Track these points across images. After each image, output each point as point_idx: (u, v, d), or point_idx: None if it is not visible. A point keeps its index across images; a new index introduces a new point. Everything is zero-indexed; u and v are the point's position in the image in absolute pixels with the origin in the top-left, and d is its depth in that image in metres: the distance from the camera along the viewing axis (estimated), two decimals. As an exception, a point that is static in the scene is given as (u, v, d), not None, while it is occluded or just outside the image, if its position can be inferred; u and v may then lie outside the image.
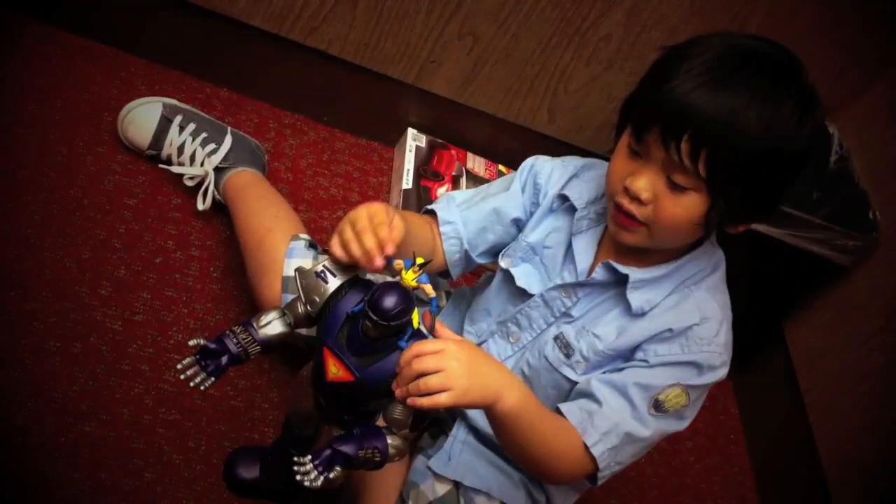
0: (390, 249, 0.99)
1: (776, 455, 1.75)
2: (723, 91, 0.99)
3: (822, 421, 1.63)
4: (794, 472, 1.69)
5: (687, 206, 1.04)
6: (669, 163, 1.02)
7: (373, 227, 1.00)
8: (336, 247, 1.02)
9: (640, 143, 1.04)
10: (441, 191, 1.75)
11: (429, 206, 1.26)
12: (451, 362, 0.97)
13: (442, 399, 0.96)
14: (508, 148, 1.86)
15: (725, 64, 1.01)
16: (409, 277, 0.97)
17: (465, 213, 1.25)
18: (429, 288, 0.98)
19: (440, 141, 1.84)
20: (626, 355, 1.15)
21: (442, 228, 1.24)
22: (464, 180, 1.80)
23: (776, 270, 1.68)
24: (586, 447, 1.10)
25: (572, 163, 1.25)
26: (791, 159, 1.04)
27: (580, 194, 1.20)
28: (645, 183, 1.04)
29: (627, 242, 1.11)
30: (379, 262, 0.99)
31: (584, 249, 1.18)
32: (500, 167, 1.86)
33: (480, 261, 1.27)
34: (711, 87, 0.99)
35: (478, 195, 1.27)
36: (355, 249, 1.00)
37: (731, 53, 1.02)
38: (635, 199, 1.05)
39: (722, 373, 1.15)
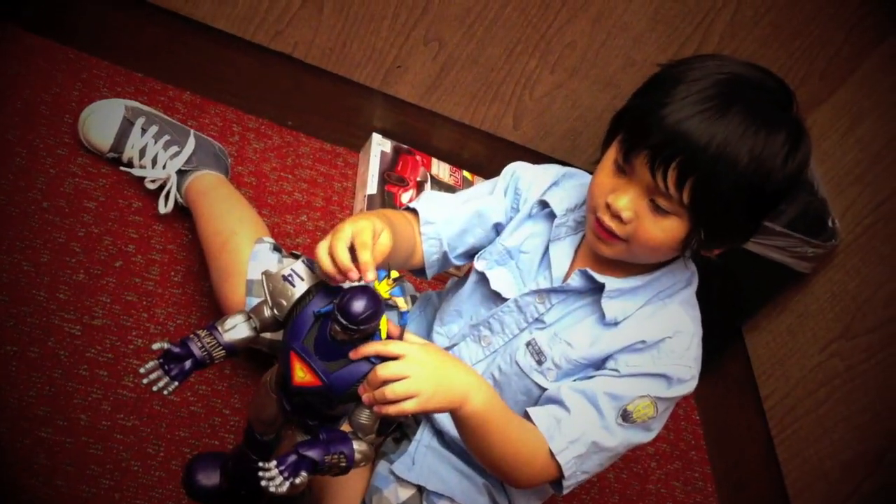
0: (370, 276, 0.96)
1: (736, 460, 1.76)
2: (717, 122, 0.99)
3: (782, 426, 1.65)
4: (754, 477, 1.71)
5: (667, 230, 1.05)
6: (654, 187, 1.02)
7: (356, 245, 0.97)
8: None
9: (627, 162, 1.04)
10: (405, 196, 1.75)
11: (411, 204, 1.25)
12: (414, 368, 0.97)
13: (408, 406, 0.96)
14: (473, 154, 1.87)
15: (721, 93, 1.00)
16: (383, 289, 0.97)
17: (447, 214, 1.24)
18: (401, 301, 0.98)
19: (405, 146, 1.83)
20: (598, 364, 1.16)
21: (423, 228, 1.23)
22: (428, 186, 1.80)
23: (737, 277, 1.70)
24: (552, 453, 1.10)
25: (553, 170, 1.25)
26: (774, 192, 1.04)
27: (560, 201, 1.20)
28: (627, 202, 1.04)
29: (604, 254, 1.11)
30: (353, 275, 0.96)
31: (561, 256, 1.18)
32: (465, 173, 1.86)
33: (457, 262, 1.27)
34: (705, 118, 0.99)
35: (460, 197, 1.27)
36: (328, 268, 0.98)
37: (728, 83, 1.02)
38: (616, 216, 1.06)
39: (691, 386, 1.15)
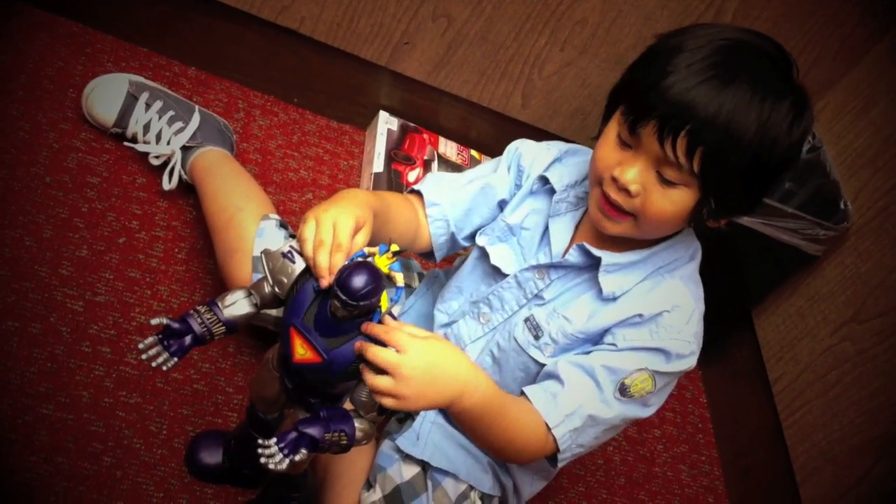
0: (324, 283, 0.96)
1: (744, 444, 1.75)
2: (724, 90, 0.98)
3: (791, 410, 1.64)
4: (762, 461, 1.70)
5: (675, 201, 1.04)
6: (662, 157, 1.01)
7: (332, 246, 0.97)
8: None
9: (634, 134, 1.03)
10: (412, 174, 1.73)
11: (415, 187, 1.25)
12: (404, 370, 0.95)
13: (386, 402, 0.96)
14: (481, 133, 1.85)
15: (725, 61, 0.99)
16: (382, 263, 0.95)
17: (453, 195, 1.24)
18: (399, 277, 0.97)
19: (412, 124, 1.81)
20: (595, 339, 1.15)
21: (428, 210, 1.23)
22: (435, 164, 1.78)
23: (746, 258, 1.68)
24: (549, 428, 1.09)
25: (556, 147, 1.24)
26: (780, 160, 1.03)
27: (560, 177, 1.19)
28: (634, 175, 1.03)
29: (610, 232, 1.10)
30: (323, 283, 0.96)
31: (561, 232, 1.18)
32: (473, 152, 1.85)
33: (466, 243, 1.27)
34: (713, 85, 0.98)
35: (465, 177, 1.27)
36: (308, 260, 0.98)
37: (730, 49, 1.01)
38: (623, 189, 1.04)
39: (690, 362, 1.14)
